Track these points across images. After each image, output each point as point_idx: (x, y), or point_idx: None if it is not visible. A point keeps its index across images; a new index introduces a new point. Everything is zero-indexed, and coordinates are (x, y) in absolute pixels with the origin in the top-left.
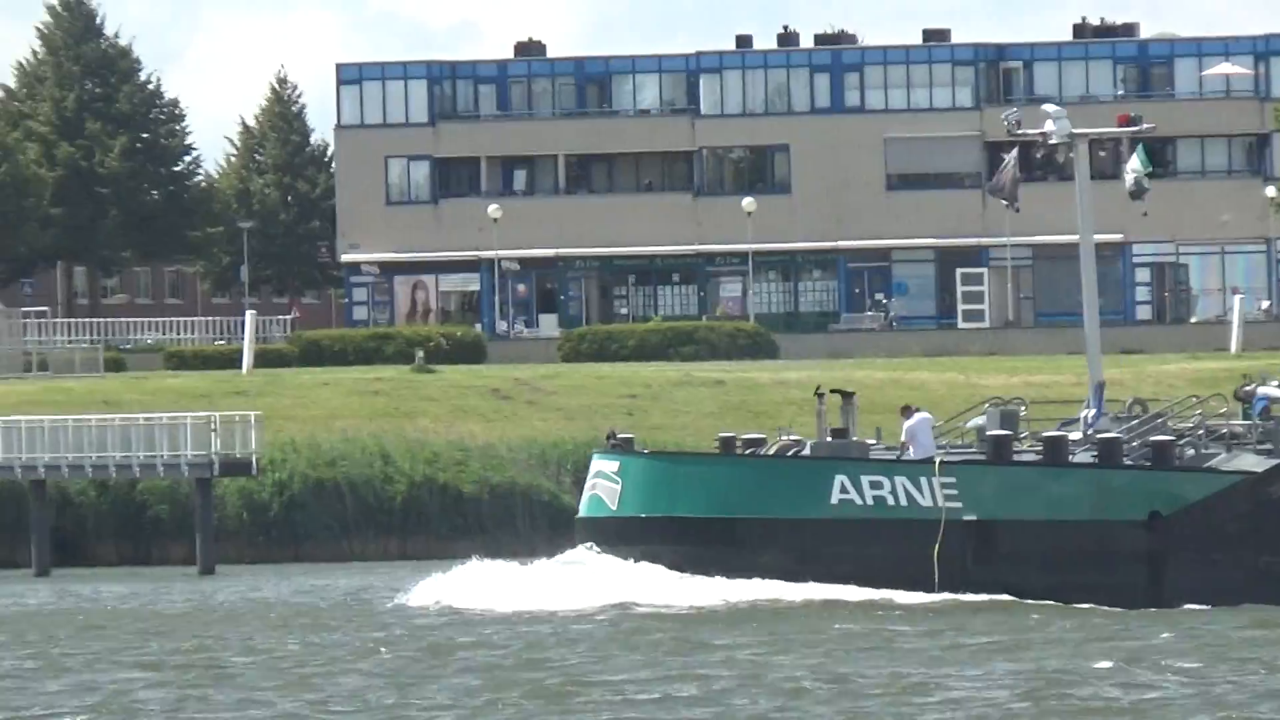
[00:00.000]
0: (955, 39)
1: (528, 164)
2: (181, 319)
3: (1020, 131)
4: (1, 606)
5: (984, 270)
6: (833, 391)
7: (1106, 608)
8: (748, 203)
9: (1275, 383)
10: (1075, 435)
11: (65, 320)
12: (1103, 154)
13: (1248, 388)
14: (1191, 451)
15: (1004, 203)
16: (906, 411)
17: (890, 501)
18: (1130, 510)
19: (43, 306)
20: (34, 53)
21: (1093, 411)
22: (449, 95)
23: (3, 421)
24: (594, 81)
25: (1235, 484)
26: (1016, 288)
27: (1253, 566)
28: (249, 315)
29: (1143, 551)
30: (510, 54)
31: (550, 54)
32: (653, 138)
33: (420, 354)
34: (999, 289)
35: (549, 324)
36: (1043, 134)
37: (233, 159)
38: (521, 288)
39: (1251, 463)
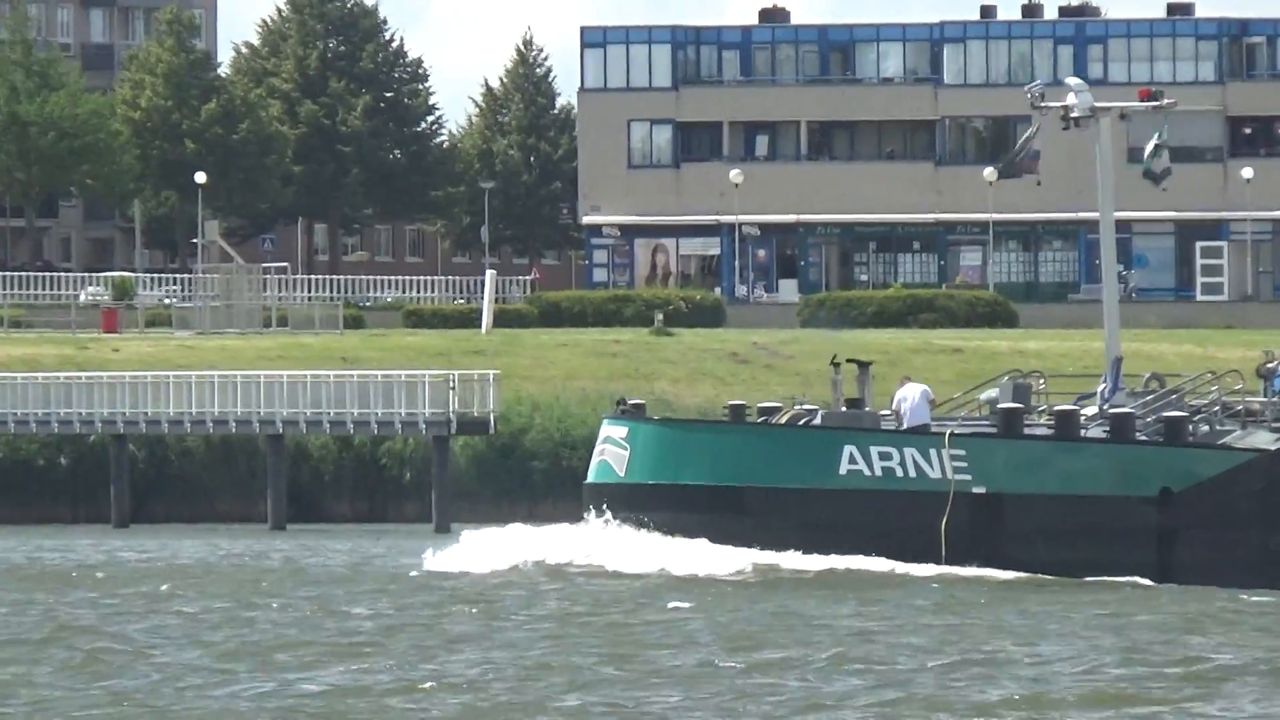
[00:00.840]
0: (1199, 13)
1: (769, 130)
2: (421, 277)
3: (1043, 104)
4: (244, 560)
5: (1223, 244)
6: (849, 361)
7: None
8: (988, 172)
9: None
10: (1091, 410)
11: (305, 277)
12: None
13: (1270, 364)
14: (1206, 428)
15: (1026, 176)
16: (903, 383)
17: (899, 473)
18: (1141, 486)
19: (283, 263)
20: (278, 11)
21: (1108, 386)
22: (692, 60)
23: (241, 376)
24: (837, 49)
25: (1248, 462)
26: (1255, 262)
27: (1263, 546)
28: (489, 275)
29: (1152, 528)
30: (754, 20)
31: (794, 21)
32: (895, 106)
33: (659, 316)
34: (1238, 263)
35: (788, 289)
36: (1065, 107)
37: (475, 120)
38: (761, 253)
39: (1266, 440)
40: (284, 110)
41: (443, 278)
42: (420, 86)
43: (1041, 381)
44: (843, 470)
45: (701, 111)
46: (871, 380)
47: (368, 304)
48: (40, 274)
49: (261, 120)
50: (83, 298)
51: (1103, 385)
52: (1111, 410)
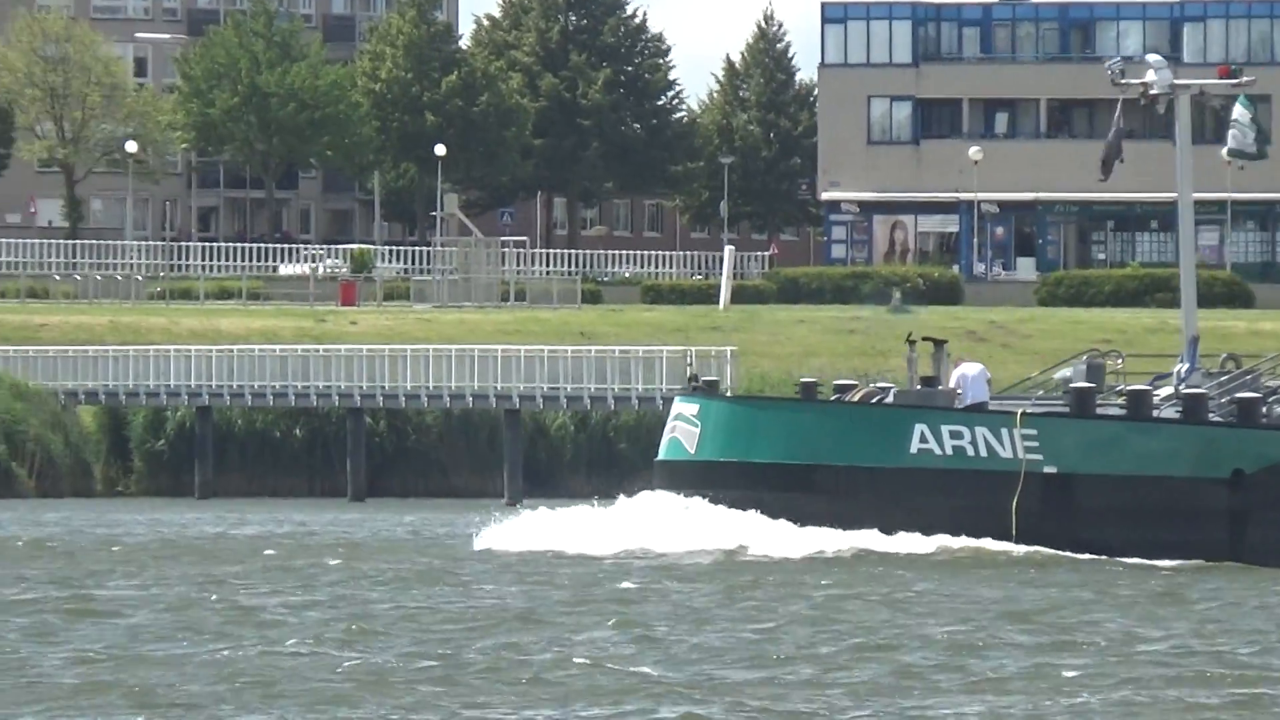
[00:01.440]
0: None
1: (1009, 107)
2: (659, 252)
3: (1123, 82)
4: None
5: None
6: (924, 339)
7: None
8: (1224, 152)
9: None
10: (1167, 390)
11: (543, 251)
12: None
13: None
14: None
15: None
16: (959, 363)
17: (970, 452)
18: (1212, 467)
19: (522, 236)
20: None
21: (1185, 366)
22: (932, 37)
23: (479, 350)
24: (1077, 27)
25: None
26: None
27: None
28: (727, 251)
29: (1224, 509)
30: None
31: None
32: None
33: (897, 294)
34: None
35: (1026, 267)
36: (1144, 84)
37: (715, 95)
38: (999, 230)
39: None
40: (524, 83)
41: (681, 253)
42: (660, 61)
43: (1119, 361)
44: (913, 449)
45: (941, 88)
46: (947, 359)
47: (606, 279)
48: (279, 245)
49: (501, 93)
50: (321, 270)
51: (1179, 365)
52: (1184, 391)
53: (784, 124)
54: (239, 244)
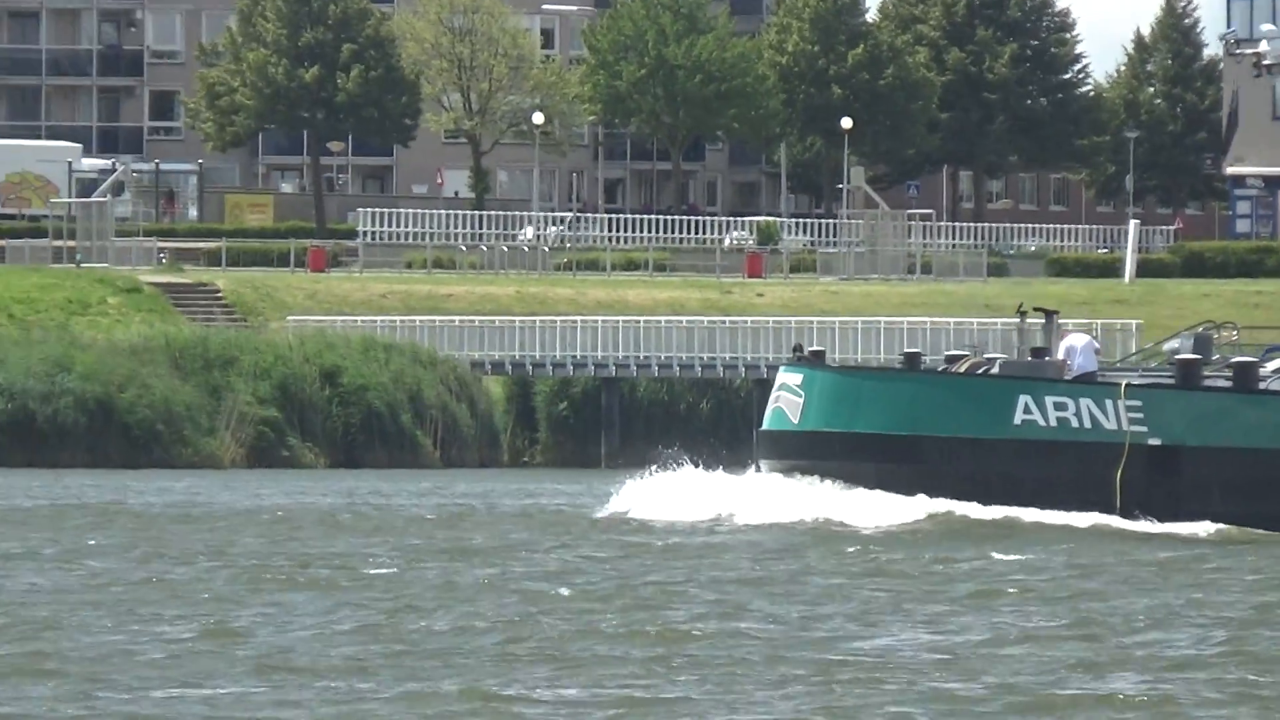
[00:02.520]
0: None
1: None
2: (1064, 226)
3: (1237, 51)
4: None
5: None
6: (1035, 309)
7: None
8: None
9: None
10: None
11: (949, 224)
12: None
13: None
14: None
15: None
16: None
17: (1074, 423)
18: None
19: (928, 209)
20: None
21: None
22: None
23: (885, 321)
24: None
25: None
26: None
27: None
28: (1132, 225)
29: None
30: None
31: None
32: None
33: None
34: None
35: None
36: (1258, 54)
37: (1122, 69)
38: None
39: None
40: (930, 57)
41: (1086, 226)
42: (1066, 35)
43: (1235, 333)
44: (1017, 420)
45: None
46: (1057, 329)
47: (1011, 251)
48: (685, 217)
49: (908, 67)
50: (727, 242)
51: None
52: None
53: (1190, 98)
54: (645, 215)
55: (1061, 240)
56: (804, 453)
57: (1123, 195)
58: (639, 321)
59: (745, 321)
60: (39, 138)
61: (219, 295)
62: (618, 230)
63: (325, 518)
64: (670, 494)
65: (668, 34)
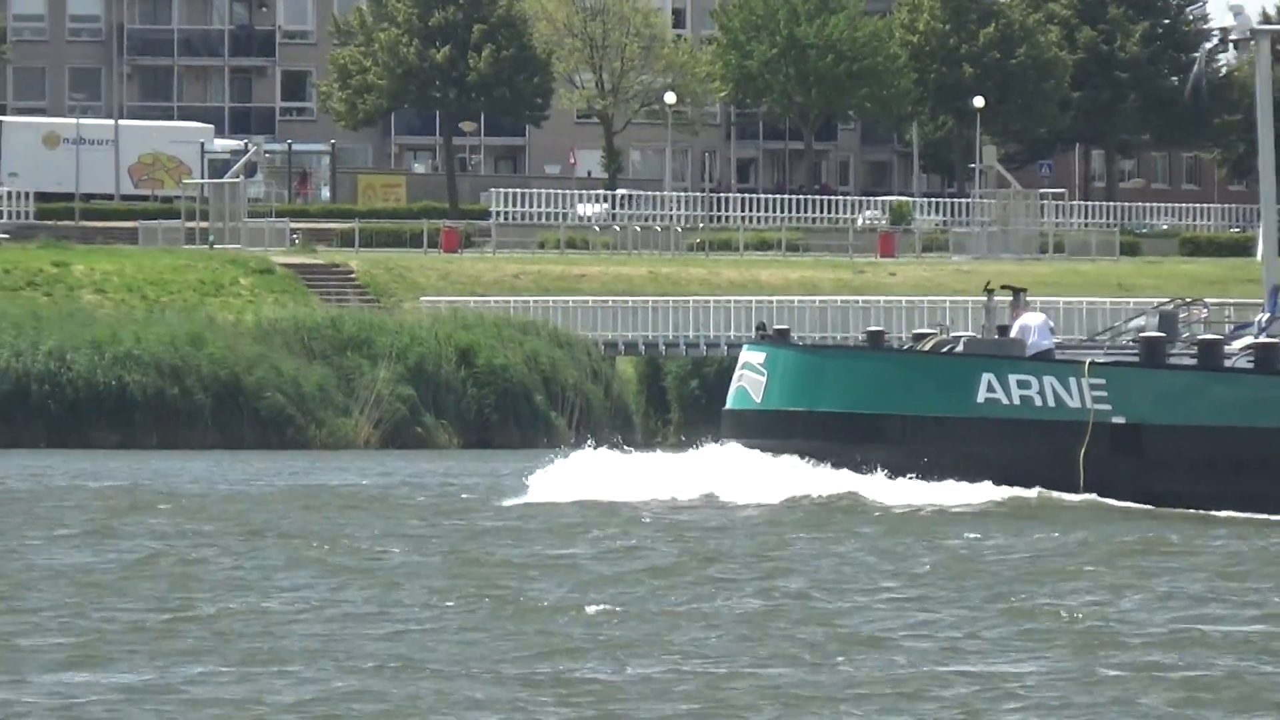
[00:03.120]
0: None
1: None
2: (1196, 205)
3: (1204, 26)
4: None
5: None
6: (1002, 288)
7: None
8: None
9: None
10: (1247, 340)
11: (1082, 203)
12: None
13: None
14: None
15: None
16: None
17: (1037, 401)
18: None
19: (1060, 189)
20: None
21: (1266, 315)
22: None
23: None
24: None
25: None
26: None
27: None
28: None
29: None
30: None
31: None
32: None
33: None
34: None
35: None
36: (1223, 29)
37: None
38: None
39: None
40: (1062, 36)
41: (1219, 205)
42: (1197, 13)
43: (1204, 310)
44: (980, 398)
45: None
46: (1028, 306)
47: (1144, 230)
48: (818, 197)
49: (1040, 46)
50: (859, 221)
51: (1261, 314)
52: (1258, 339)
53: None
54: (778, 195)
55: (1193, 219)
56: (767, 431)
57: (1255, 174)
58: (772, 301)
59: (878, 301)
60: (171, 119)
61: (352, 276)
62: (751, 210)
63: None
64: (584, 476)
65: (799, 13)
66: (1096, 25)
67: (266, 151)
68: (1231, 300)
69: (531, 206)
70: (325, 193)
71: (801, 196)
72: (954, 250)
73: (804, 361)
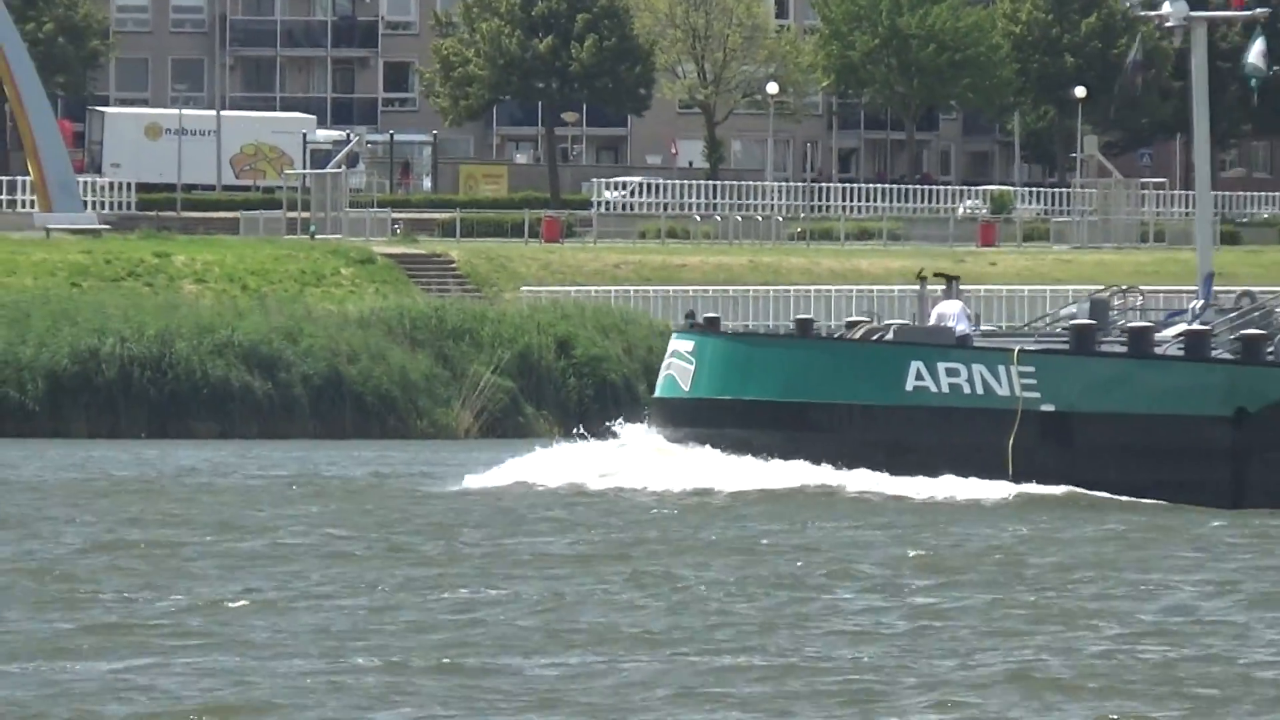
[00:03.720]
0: None
1: None
2: None
3: (1140, 14)
4: None
5: None
6: (935, 275)
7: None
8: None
9: None
10: (1180, 328)
11: (1182, 192)
12: None
13: None
14: None
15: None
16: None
17: (966, 390)
18: (1215, 406)
19: (1161, 178)
20: None
21: (1199, 303)
22: None
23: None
24: None
25: None
26: None
27: None
28: None
29: (1226, 449)
30: None
31: None
32: None
33: None
34: None
35: None
36: (1159, 16)
37: None
38: None
39: None
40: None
41: None
42: None
43: (1139, 298)
44: (909, 386)
45: None
46: (961, 294)
47: (1244, 220)
48: (919, 186)
49: (1142, 34)
50: (960, 211)
51: (1194, 302)
52: (1187, 327)
53: None
54: (879, 185)
55: None
56: (695, 420)
57: None
58: (872, 291)
59: (979, 290)
60: (273, 109)
61: (453, 266)
62: (851, 200)
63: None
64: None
65: (901, 3)
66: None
67: (368, 142)
68: (1164, 289)
69: (633, 196)
70: (427, 183)
71: (902, 186)
72: (1055, 240)
73: (732, 350)
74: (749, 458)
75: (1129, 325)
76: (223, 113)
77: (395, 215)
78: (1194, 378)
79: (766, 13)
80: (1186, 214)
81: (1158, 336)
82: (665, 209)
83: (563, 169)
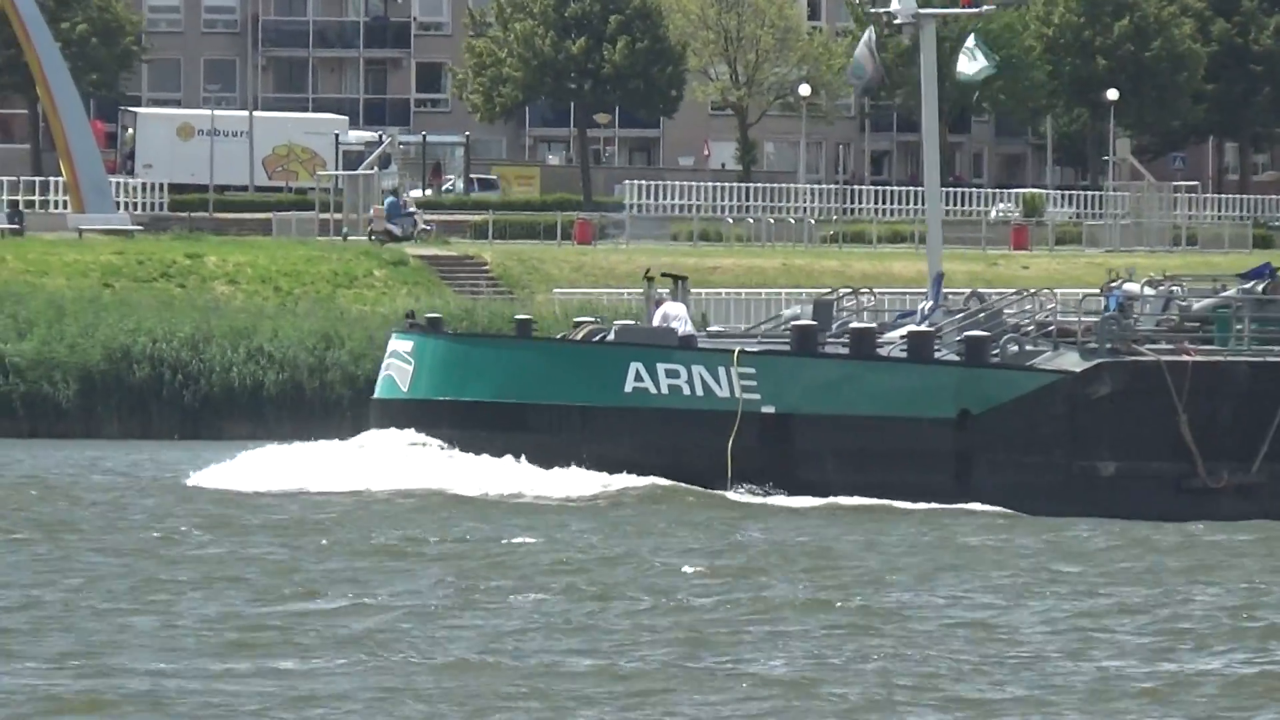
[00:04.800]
0: None
1: None
2: None
3: (872, 10)
4: None
5: None
6: (663, 275)
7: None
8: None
9: (1143, 280)
10: (909, 329)
11: (1215, 196)
12: None
13: (1112, 283)
14: (1015, 348)
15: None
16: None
17: (686, 391)
18: (938, 407)
19: (1193, 181)
20: None
21: (929, 304)
22: None
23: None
24: None
25: (1051, 384)
26: None
27: (1066, 471)
28: None
29: (949, 451)
30: None
31: None
32: None
33: None
34: None
35: None
36: (888, 13)
37: None
38: None
39: (1072, 362)
40: (1196, 29)
41: None
42: None
43: (869, 299)
44: (628, 388)
45: None
46: (688, 295)
47: (1276, 224)
48: (951, 189)
49: (1174, 38)
50: (993, 214)
51: (924, 303)
52: (910, 328)
53: None
54: (911, 188)
55: None
56: (414, 421)
57: None
58: (905, 294)
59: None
60: (305, 110)
61: (485, 268)
62: (884, 202)
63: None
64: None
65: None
66: (1231, 18)
67: (401, 143)
68: (901, 290)
69: (665, 199)
70: (459, 184)
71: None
72: (1087, 243)
73: (451, 350)
74: (468, 459)
75: (851, 326)
76: (255, 113)
77: (427, 217)
78: (917, 379)
79: (799, 14)
80: (1218, 217)
81: (885, 338)
82: (698, 211)
83: (595, 171)
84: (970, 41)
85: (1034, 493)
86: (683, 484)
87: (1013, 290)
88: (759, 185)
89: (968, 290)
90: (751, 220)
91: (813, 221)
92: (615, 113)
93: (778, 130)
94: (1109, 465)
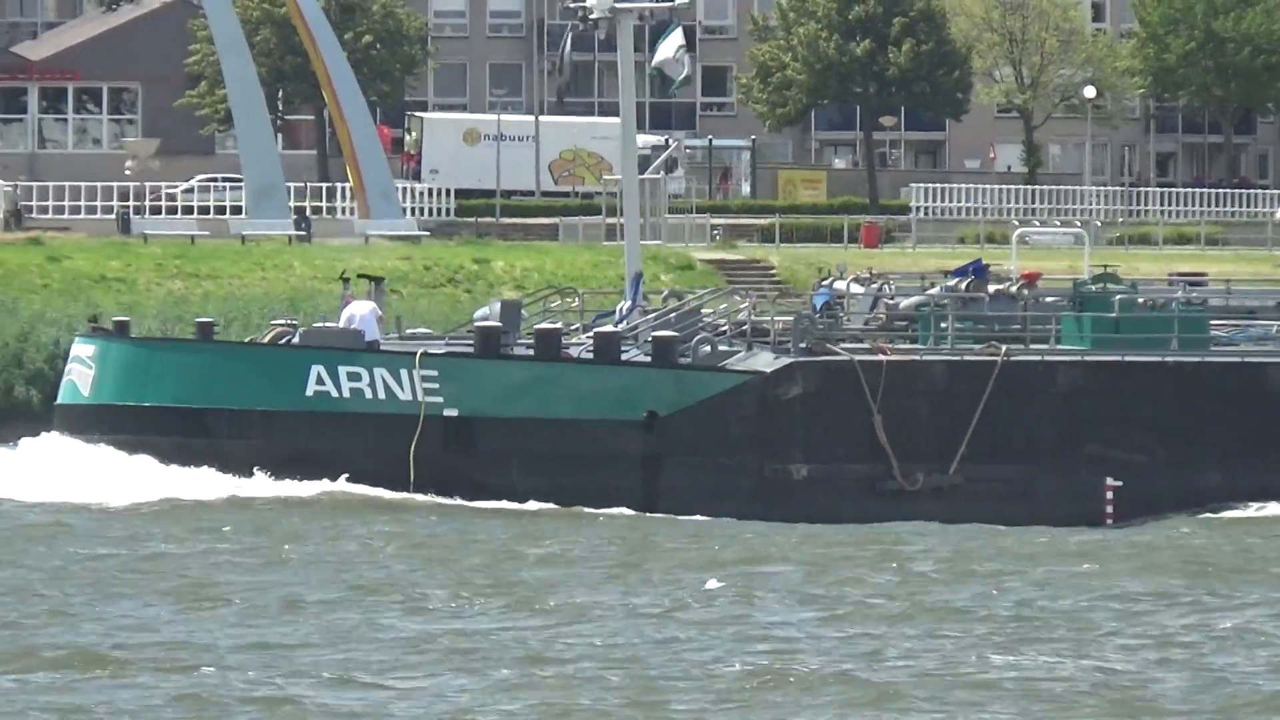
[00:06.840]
0: None
1: None
2: None
3: (573, 4)
4: None
5: None
6: (359, 276)
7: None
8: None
9: (850, 278)
10: (608, 329)
11: None
12: None
13: (822, 281)
14: (706, 349)
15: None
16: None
17: (368, 394)
18: (625, 410)
19: None
20: None
21: (627, 304)
22: None
23: None
24: None
25: (741, 385)
26: None
27: (758, 474)
28: None
29: (637, 454)
30: None
31: None
32: None
33: None
34: None
35: None
36: (584, 8)
37: None
38: None
39: (764, 362)
40: None
41: None
42: None
43: (576, 300)
44: (309, 391)
45: None
46: (385, 296)
47: None
48: (1237, 191)
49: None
50: (1278, 215)
51: (623, 303)
52: (595, 330)
53: None
54: (1196, 189)
55: None
56: (96, 426)
57: None
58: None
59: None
60: (592, 115)
61: (772, 271)
62: (1169, 204)
63: None
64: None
65: (1217, 6)
66: None
67: (687, 147)
68: (594, 290)
69: (950, 201)
70: (746, 188)
71: (1220, 190)
72: None
73: (133, 355)
74: (148, 464)
75: (536, 328)
76: (541, 118)
77: (714, 221)
78: (603, 381)
79: (1083, 16)
80: None
81: (576, 340)
82: (983, 214)
83: (881, 174)
84: (678, 38)
85: (725, 497)
86: (367, 488)
87: (707, 289)
88: (1044, 188)
89: (665, 290)
90: (1037, 223)
91: (1099, 224)
92: (901, 115)
93: (1063, 132)
94: (802, 468)
